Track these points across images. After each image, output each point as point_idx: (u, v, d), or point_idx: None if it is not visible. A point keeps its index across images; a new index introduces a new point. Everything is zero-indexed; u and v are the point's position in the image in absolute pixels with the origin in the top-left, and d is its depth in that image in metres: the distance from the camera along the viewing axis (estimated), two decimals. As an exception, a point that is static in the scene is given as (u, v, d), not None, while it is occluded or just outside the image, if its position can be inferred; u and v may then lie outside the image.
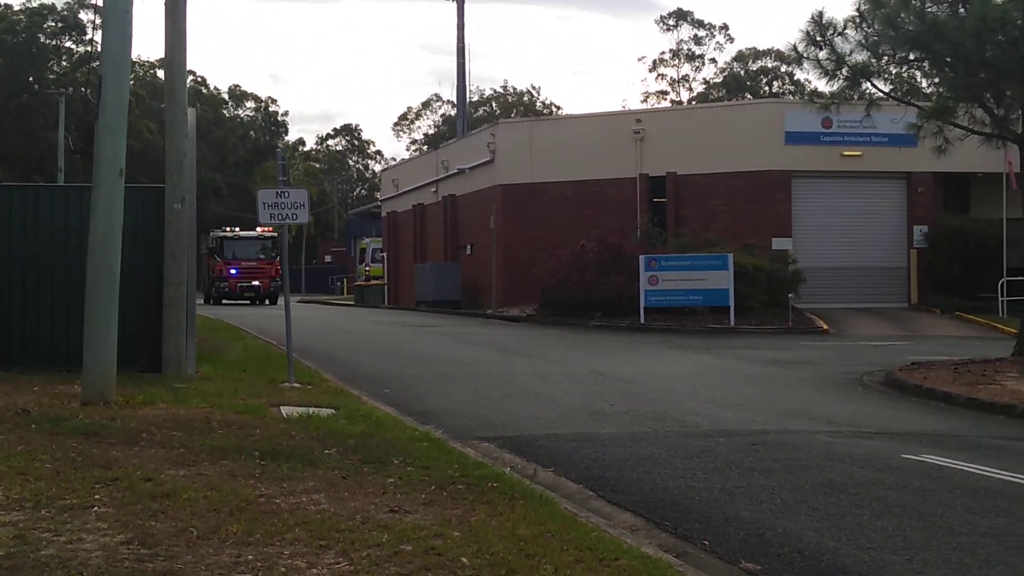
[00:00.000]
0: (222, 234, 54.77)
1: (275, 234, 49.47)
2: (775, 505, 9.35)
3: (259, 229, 49.65)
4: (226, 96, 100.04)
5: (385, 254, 57.33)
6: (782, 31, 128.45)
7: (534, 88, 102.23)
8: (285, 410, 12.86)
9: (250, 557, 6.75)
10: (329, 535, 7.25)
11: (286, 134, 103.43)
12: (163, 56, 17.33)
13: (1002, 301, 36.13)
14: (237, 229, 56.61)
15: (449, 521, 7.78)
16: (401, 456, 10.11)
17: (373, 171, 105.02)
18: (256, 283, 52.19)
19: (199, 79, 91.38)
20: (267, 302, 51.69)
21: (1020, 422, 15.03)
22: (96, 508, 7.65)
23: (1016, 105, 21.91)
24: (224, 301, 50.96)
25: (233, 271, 52.21)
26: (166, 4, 16.42)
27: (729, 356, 23.75)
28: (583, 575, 6.71)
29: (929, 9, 21.52)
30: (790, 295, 33.77)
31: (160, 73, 78.83)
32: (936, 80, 24.00)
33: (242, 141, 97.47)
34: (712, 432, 13.24)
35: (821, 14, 22.53)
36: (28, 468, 8.76)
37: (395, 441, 10.93)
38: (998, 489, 10.23)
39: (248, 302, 51.66)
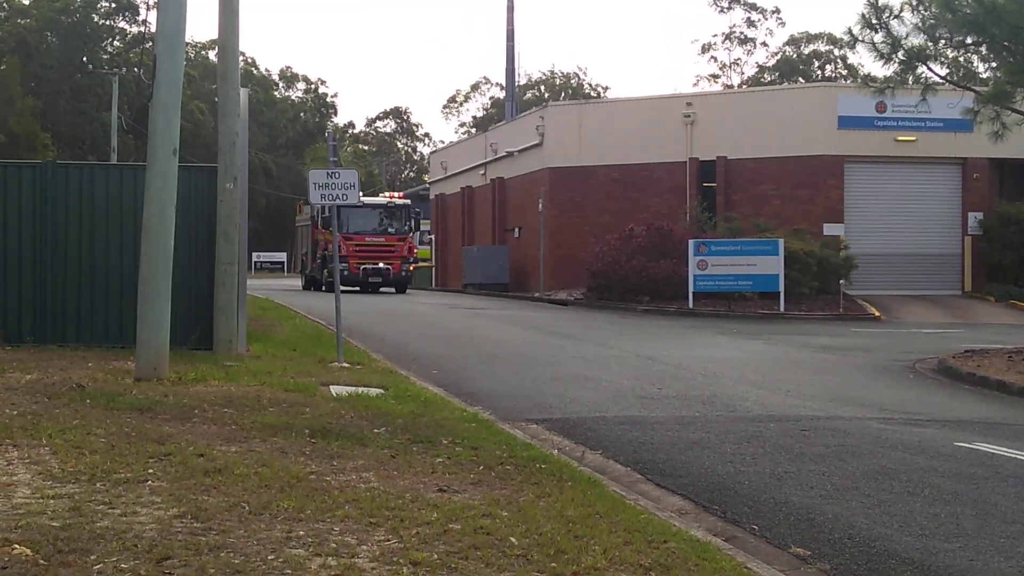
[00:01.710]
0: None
1: (407, 201, 43.54)
2: (825, 491, 9.29)
3: (386, 195, 43.97)
4: (276, 78, 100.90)
5: (433, 236, 57.35)
6: (834, 16, 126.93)
7: (581, 70, 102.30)
8: (335, 389, 12.97)
9: (301, 533, 6.77)
10: (379, 512, 7.28)
11: (335, 116, 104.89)
12: (215, 37, 17.50)
13: (1057, 290, 35.65)
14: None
15: (497, 501, 7.80)
16: (450, 436, 10.17)
17: (421, 153, 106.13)
18: (383, 265, 41.42)
19: (249, 60, 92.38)
20: (395, 291, 42.62)
21: None
22: (150, 482, 7.73)
23: None
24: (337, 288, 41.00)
25: (354, 249, 40.86)
26: (220, -14, 16.54)
27: (779, 342, 23.61)
28: (632, 557, 6.68)
29: None
30: (841, 281, 33.54)
31: (211, 54, 79.76)
32: (994, 64, 23.70)
33: (292, 123, 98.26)
34: (762, 417, 13.19)
35: None
36: (83, 442, 8.88)
37: (444, 421, 10.98)
38: (1053, 478, 10.09)
39: (370, 290, 41.76)
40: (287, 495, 7.60)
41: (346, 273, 38.45)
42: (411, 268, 41.74)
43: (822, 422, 12.93)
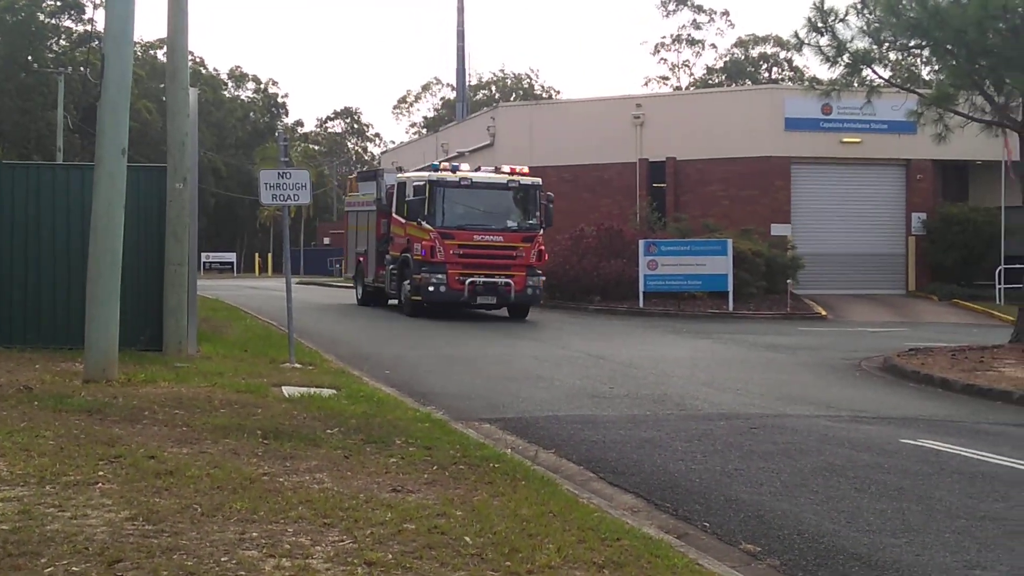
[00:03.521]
0: (431, 177, 26.92)
1: (537, 180, 27.58)
2: (774, 488, 9.41)
3: (506, 168, 27.74)
4: (226, 78, 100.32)
5: None
6: (782, 18, 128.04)
7: (533, 71, 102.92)
8: (287, 390, 12.92)
9: (255, 534, 6.76)
10: (333, 513, 7.28)
11: (286, 116, 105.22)
12: (163, 36, 17.36)
13: (999, 289, 36.22)
14: (465, 167, 28.12)
15: (452, 501, 7.82)
16: (403, 436, 10.17)
17: (372, 153, 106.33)
18: (502, 279, 26.38)
19: (198, 60, 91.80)
20: (511, 316, 28.26)
21: (1017, 408, 15.11)
22: (100, 485, 7.67)
23: (1017, 93, 21.90)
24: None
25: (457, 253, 26.20)
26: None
27: (728, 341, 23.80)
28: (585, 555, 6.74)
29: None
30: (788, 281, 33.87)
31: (159, 54, 79.00)
32: (937, 68, 24.10)
33: (241, 122, 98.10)
34: (712, 415, 13.33)
35: (823, 1, 22.57)
36: (32, 445, 8.79)
37: (397, 421, 10.98)
38: (995, 474, 10.29)
39: (483, 309, 28.47)
40: (240, 496, 7.57)
41: (443, 289, 25.81)
42: (540, 282, 27.18)
43: (771, 420, 13.08)
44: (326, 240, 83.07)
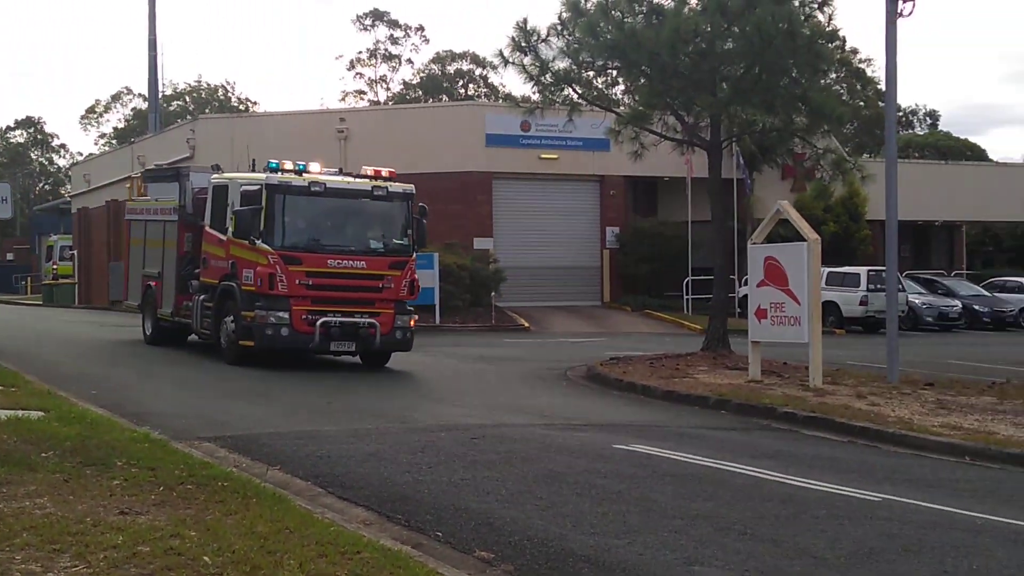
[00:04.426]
0: (270, 180, 19.70)
1: (409, 187, 20.70)
2: (501, 496, 9.67)
3: (368, 171, 20.87)
4: None
5: (76, 252, 53.54)
6: (478, 35, 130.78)
7: (229, 83, 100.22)
8: (-9, 413, 12.19)
9: None
10: (61, 539, 7.05)
11: None
12: None
13: (687, 299, 38.47)
14: (314, 168, 20.81)
15: (184, 521, 7.68)
16: (124, 458, 9.80)
17: (58, 165, 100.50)
18: (363, 318, 19.62)
19: None
20: (374, 363, 20.87)
21: (713, 412, 16.10)
22: None
23: (705, 114, 23.25)
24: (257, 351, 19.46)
25: (305, 283, 19.41)
26: None
27: (438, 354, 24.10)
28: (328, 569, 6.75)
29: (627, 20, 22.69)
30: (492, 294, 34.71)
31: None
32: (633, 88, 25.32)
33: None
34: (433, 427, 13.52)
35: (526, 21, 23.35)
36: None
37: (114, 443, 10.55)
38: (703, 475, 10.95)
39: (339, 355, 20.74)
40: None
41: (285, 332, 19.09)
42: (411, 322, 20.51)
43: (490, 430, 13.41)
44: (9, 256, 78.31)
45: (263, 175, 19.71)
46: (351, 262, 19.47)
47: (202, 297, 21.21)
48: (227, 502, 8.40)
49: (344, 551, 7.21)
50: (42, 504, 7.97)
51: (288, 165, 19.93)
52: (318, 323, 19.00)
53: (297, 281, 19.07)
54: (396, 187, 20.34)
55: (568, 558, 7.79)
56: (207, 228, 21.39)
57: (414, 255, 20.61)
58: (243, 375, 18.66)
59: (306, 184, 19.42)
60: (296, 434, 12.72)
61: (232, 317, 19.78)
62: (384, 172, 20.57)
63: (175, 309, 22.75)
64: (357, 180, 20.42)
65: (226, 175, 21.97)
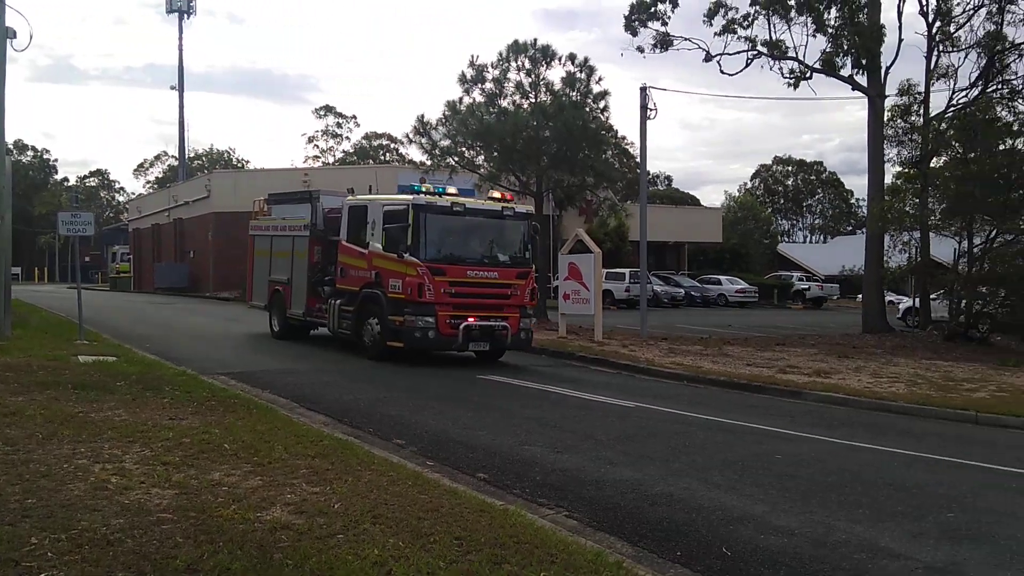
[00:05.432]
0: (416, 200, 21.61)
1: (528, 208, 24.35)
2: (408, 408, 14.15)
3: (494, 194, 23.68)
4: (12, 146, 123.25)
5: (131, 256, 78.72)
6: (393, 120, 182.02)
7: (232, 148, 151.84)
8: (82, 358, 16.69)
9: (83, 450, 8.86)
10: (133, 434, 9.76)
11: (55, 174, 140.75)
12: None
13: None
14: (452, 190, 23.13)
15: (210, 424, 10.78)
16: (170, 385, 13.82)
17: (118, 200, 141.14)
18: (497, 322, 21.85)
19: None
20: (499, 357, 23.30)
21: (536, 355, 22.04)
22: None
23: (533, 175, 36.15)
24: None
25: (448, 292, 21.30)
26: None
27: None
28: (303, 450, 9.75)
29: (485, 117, 34.83)
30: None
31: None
32: (488, 159, 36.77)
33: (23, 179, 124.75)
34: (370, 364, 19.01)
35: (423, 116, 36.22)
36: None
37: (164, 376, 14.75)
38: (533, 393, 16.01)
39: (473, 354, 22.88)
40: (66, 426, 9.93)
41: (432, 334, 20.87)
42: (533, 325, 23.21)
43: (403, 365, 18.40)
44: (87, 259, 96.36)
45: (409, 196, 21.52)
46: (486, 273, 21.59)
47: (339, 301, 23.13)
48: (238, 412, 11.98)
49: (312, 440, 10.29)
50: (119, 413, 11.19)
51: (429, 187, 22.04)
52: (461, 327, 21.04)
53: (442, 290, 20.90)
54: (520, 209, 22.86)
55: (449, 443, 11.93)
56: (343, 242, 23.43)
57: (533, 266, 22.93)
58: (246, 335, 25.28)
59: (448, 204, 21.33)
60: (280, 371, 18.18)
61: (376, 320, 21.68)
62: (507, 195, 23.45)
63: (306, 310, 25.00)
64: (491, 202, 22.62)
65: (362, 196, 24.35)
